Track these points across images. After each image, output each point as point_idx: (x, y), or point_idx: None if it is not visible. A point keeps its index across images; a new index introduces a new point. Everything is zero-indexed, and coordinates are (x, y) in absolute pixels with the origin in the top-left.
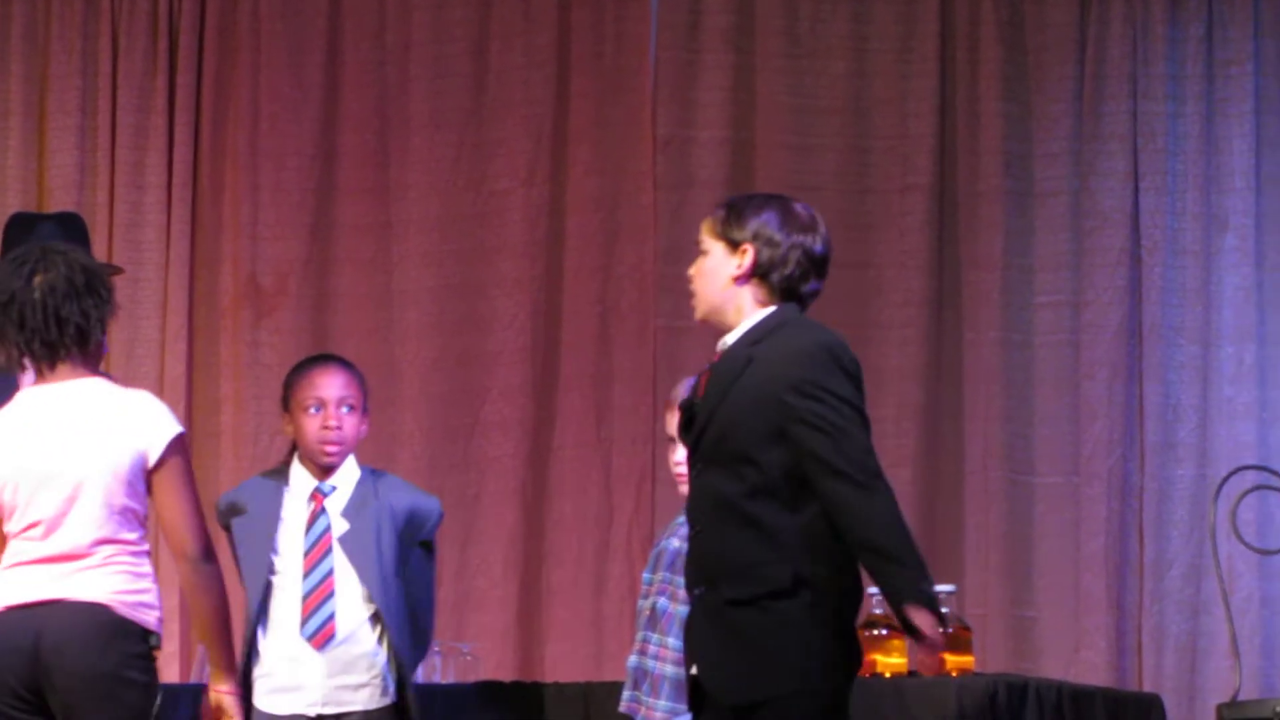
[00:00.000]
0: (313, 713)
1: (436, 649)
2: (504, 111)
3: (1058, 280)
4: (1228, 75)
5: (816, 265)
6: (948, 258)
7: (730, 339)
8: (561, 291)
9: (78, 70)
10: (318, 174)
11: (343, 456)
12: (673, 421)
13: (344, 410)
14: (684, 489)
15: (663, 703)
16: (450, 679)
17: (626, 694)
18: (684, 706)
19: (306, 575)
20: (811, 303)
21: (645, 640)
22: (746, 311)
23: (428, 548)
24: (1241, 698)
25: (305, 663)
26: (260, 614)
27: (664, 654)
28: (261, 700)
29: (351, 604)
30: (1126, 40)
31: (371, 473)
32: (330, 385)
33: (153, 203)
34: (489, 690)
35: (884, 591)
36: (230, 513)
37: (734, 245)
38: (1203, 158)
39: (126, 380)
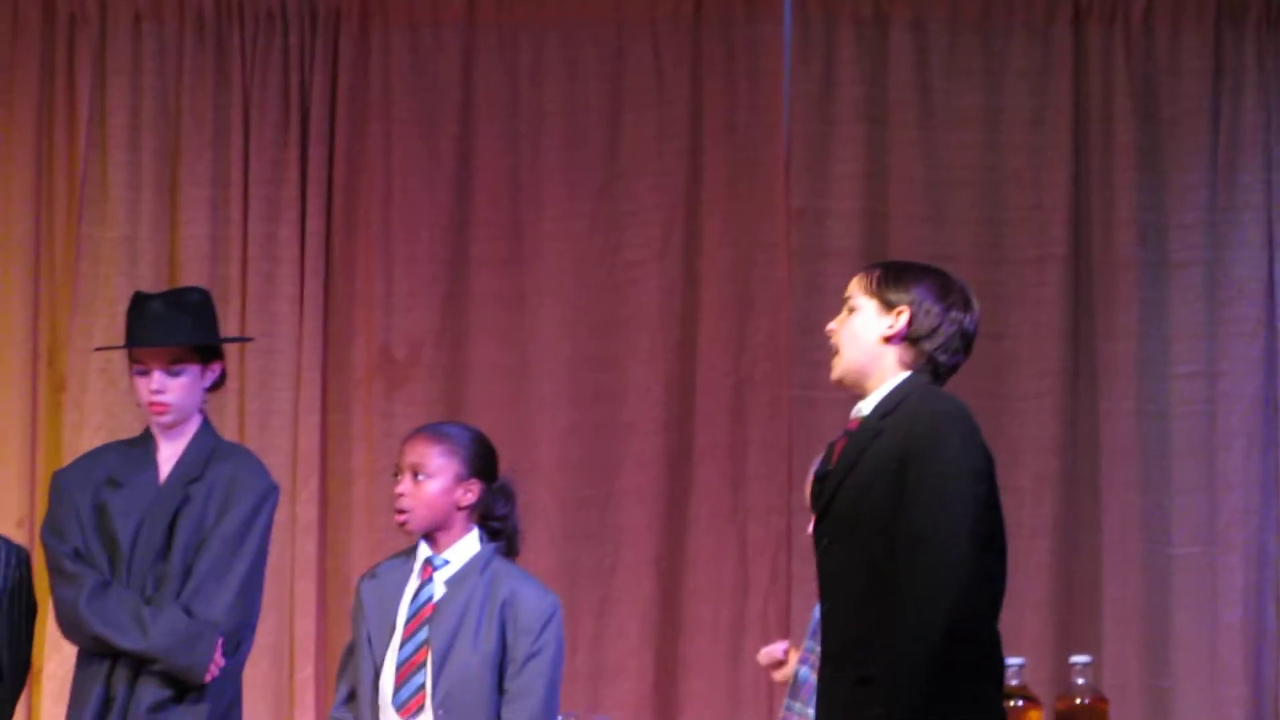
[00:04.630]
0: None
1: (573, 717)
2: (637, 182)
3: (1193, 350)
4: None
5: (967, 343)
6: (1083, 329)
7: (865, 407)
8: (696, 362)
9: (209, 143)
10: (451, 245)
11: (413, 525)
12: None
13: (418, 477)
14: None
15: None
16: None
17: None
18: None
19: (404, 644)
20: (949, 378)
21: (788, 708)
22: (888, 373)
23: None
24: None
25: None
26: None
27: None
28: None
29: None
30: (1260, 110)
31: (493, 554)
32: (405, 452)
33: (285, 275)
34: None
35: (868, 693)
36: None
37: (889, 306)
38: None
39: (261, 451)
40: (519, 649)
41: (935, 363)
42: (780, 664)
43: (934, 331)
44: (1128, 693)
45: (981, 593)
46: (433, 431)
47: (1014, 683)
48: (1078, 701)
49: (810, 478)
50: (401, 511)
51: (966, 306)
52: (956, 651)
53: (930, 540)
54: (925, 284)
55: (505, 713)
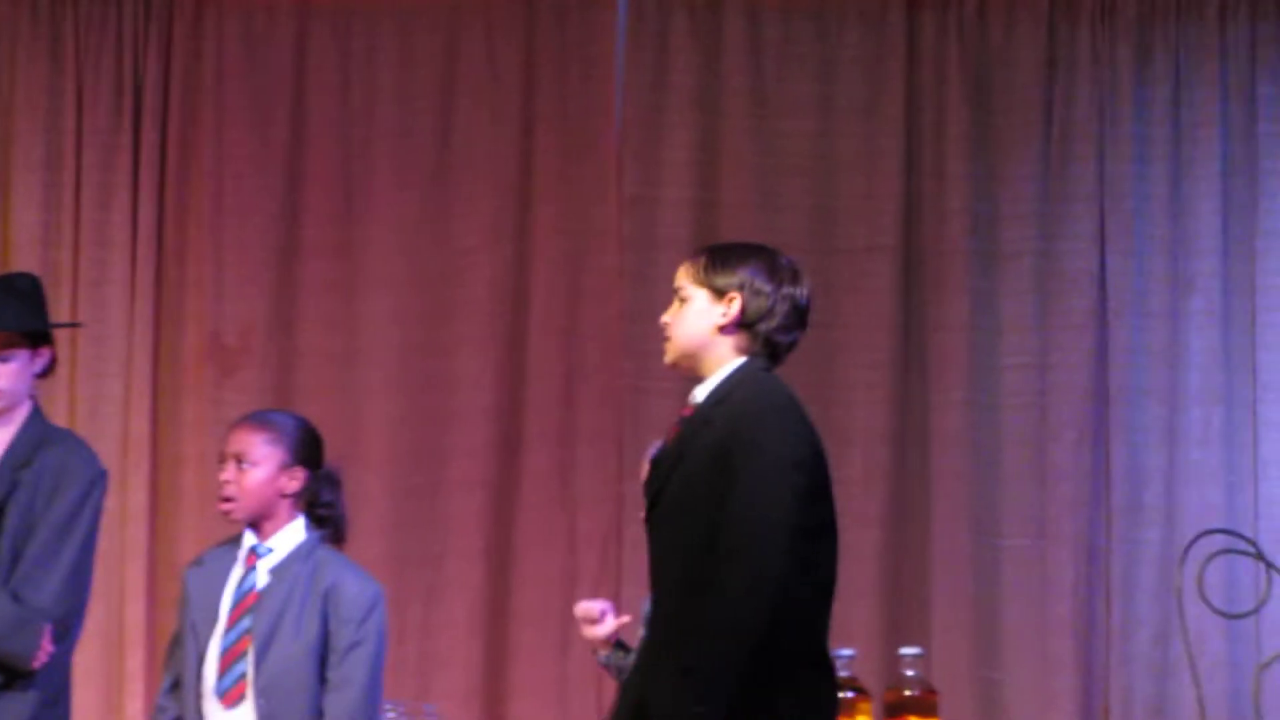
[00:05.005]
0: None
1: (401, 710)
2: (469, 171)
3: (1024, 342)
4: (1195, 138)
5: (801, 317)
6: (914, 319)
7: (700, 394)
8: (526, 350)
9: (42, 128)
10: (282, 232)
11: (238, 514)
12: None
13: (242, 465)
14: None
15: None
16: None
17: None
18: None
19: (226, 632)
20: (788, 355)
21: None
22: (723, 360)
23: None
24: None
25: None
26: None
27: None
28: None
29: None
30: (1093, 101)
31: (317, 542)
32: (230, 440)
33: (117, 260)
34: None
35: (656, 681)
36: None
37: (719, 293)
38: (1170, 220)
39: (91, 437)
40: (341, 638)
41: (772, 343)
42: (594, 622)
43: (768, 313)
44: (957, 684)
45: (804, 583)
46: (257, 419)
47: (843, 674)
48: (907, 693)
49: (646, 464)
50: (226, 499)
51: (795, 280)
52: (777, 642)
53: (748, 531)
54: (752, 265)
55: (326, 702)
